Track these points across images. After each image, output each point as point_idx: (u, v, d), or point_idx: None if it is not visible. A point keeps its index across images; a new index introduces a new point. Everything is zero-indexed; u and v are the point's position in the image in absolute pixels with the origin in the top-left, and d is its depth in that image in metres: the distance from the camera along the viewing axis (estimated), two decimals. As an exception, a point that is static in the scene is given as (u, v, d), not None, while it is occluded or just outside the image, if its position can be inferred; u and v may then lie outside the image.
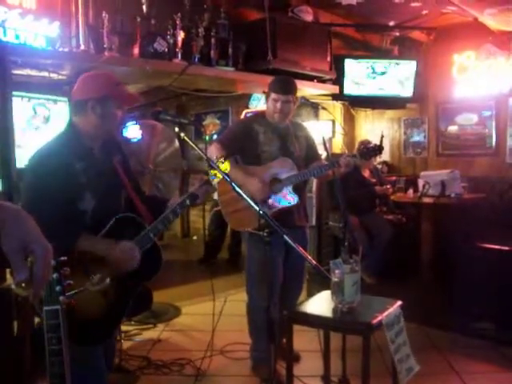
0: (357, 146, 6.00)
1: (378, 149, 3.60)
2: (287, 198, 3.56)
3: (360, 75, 6.35)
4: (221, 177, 2.51)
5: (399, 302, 2.85)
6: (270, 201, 3.51)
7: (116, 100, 2.36)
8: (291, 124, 3.78)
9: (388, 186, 5.91)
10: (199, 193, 2.56)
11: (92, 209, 2.29)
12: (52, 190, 2.17)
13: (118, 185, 2.45)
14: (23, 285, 1.09)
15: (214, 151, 3.52)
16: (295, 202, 3.61)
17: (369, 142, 5.82)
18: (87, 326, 2.22)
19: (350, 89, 6.33)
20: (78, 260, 2.13)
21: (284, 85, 3.68)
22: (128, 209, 2.46)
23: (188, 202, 2.52)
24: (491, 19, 5.37)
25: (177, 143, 4.64)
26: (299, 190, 3.67)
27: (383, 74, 6.39)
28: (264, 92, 3.79)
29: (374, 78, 6.38)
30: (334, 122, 6.53)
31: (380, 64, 6.39)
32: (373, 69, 6.37)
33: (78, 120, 2.37)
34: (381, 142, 3.65)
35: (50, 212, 2.11)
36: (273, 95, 3.60)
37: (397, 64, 6.42)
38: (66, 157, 2.26)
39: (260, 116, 3.77)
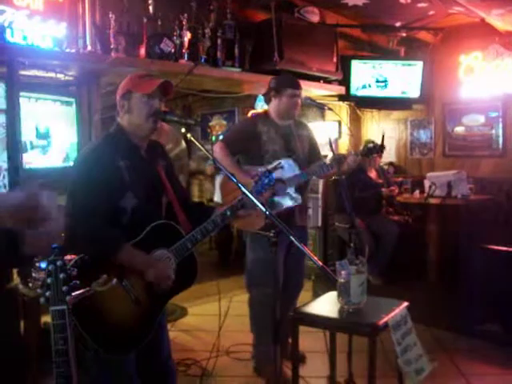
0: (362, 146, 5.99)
1: (380, 148, 3.63)
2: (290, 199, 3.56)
3: (366, 76, 6.33)
4: None
5: (405, 303, 2.85)
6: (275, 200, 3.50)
7: (137, 91, 2.33)
8: (293, 123, 3.79)
9: (394, 187, 5.90)
10: (239, 205, 2.45)
11: (132, 208, 2.28)
12: (93, 185, 2.19)
13: (160, 189, 2.43)
14: (30, 285, 1.09)
15: (218, 152, 3.55)
16: (299, 203, 3.62)
17: (373, 142, 5.82)
18: (116, 335, 2.22)
19: (356, 90, 6.32)
20: (113, 266, 2.15)
21: (295, 80, 3.79)
22: (168, 215, 2.44)
23: (229, 213, 2.43)
24: (498, 20, 5.34)
25: (183, 144, 4.64)
26: (301, 190, 3.68)
27: (390, 74, 6.37)
28: (268, 92, 3.75)
29: (380, 78, 6.37)
30: (340, 122, 6.53)
31: (387, 65, 6.37)
32: (379, 69, 6.35)
33: (120, 120, 2.40)
34: (382, 140, 3.67)
35: (92, 209, 2.16)
36: (290, 91, 3.64)
37: (403, 65, 6.40)
38: (109, 154, 2.28)
39: (263, 116, 3.78)
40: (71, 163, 4.01)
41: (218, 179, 6.16)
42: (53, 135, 4.14)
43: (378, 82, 6.35)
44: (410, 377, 2.62)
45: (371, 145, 3.67)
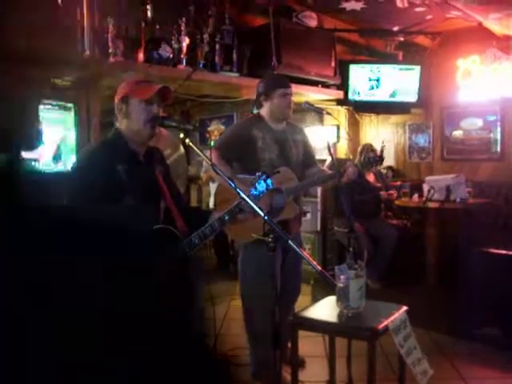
0: (359, 149, 6.00)
1: (380, 159, 3.62)
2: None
3: (365, 80, 6.35)
4: None
5: (405, 308, 2.84)
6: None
7: (135, 96, 2.34)
8: (288, 127, 3.74)
9: (393, 191, 5.91)
10: (237, 209, 2.46)
11: None
12: (92, 187, 2.19)
13: (158, 195, 2.44)
14: None
15: (213, 159, 3.48)
16: (296, 213, 3.60)
17: (371, 147, 5.84)
18: None
19: (354, 94, 6.33)
20: None
21: (284, 78, 3.81)
22: (166, 220, 2.43)
23: (227, 217, 2.44)
24: (496, 24, 5.36)
25: (182, 149, 4.64)
26: (297, 198, 3.66)
27: (388, 79, 6.38)
28: (258, 97, 3.71)
29: (378, 83, 6.38)
30: (338, 127, 6.52)
31: (385, 69, 6.38)
32: (377, 74, 6.36)
33: (118, 125, 2.41)
34: (381, 151, 3.67)
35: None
36: (280, 91, 3.60)
37: (401, 69, 6.42)
38: (107, 158, 2.28)
39: (257, 120, 3.68)
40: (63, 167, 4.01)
41: (213, 187, 6.11)
42: (50, 139, 4.14)
43: (371, 80, 6.35)
44: (418, 378, 2.62)
45: (371, 154, 3.68)
